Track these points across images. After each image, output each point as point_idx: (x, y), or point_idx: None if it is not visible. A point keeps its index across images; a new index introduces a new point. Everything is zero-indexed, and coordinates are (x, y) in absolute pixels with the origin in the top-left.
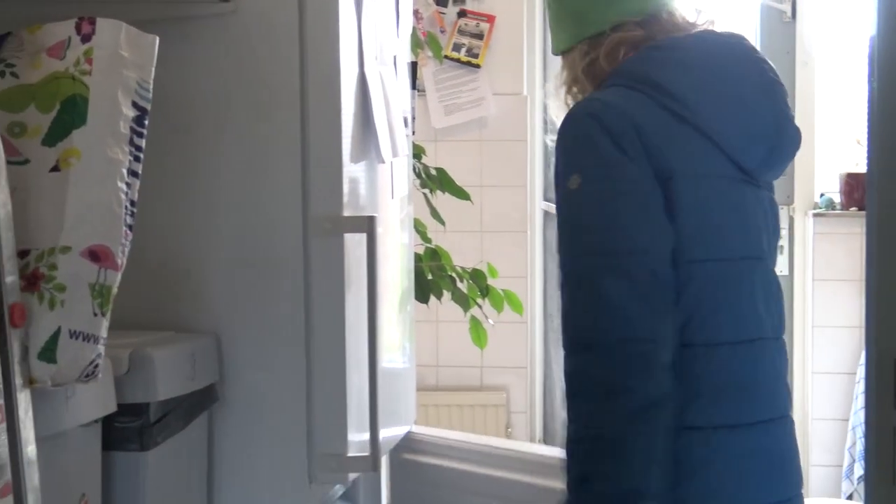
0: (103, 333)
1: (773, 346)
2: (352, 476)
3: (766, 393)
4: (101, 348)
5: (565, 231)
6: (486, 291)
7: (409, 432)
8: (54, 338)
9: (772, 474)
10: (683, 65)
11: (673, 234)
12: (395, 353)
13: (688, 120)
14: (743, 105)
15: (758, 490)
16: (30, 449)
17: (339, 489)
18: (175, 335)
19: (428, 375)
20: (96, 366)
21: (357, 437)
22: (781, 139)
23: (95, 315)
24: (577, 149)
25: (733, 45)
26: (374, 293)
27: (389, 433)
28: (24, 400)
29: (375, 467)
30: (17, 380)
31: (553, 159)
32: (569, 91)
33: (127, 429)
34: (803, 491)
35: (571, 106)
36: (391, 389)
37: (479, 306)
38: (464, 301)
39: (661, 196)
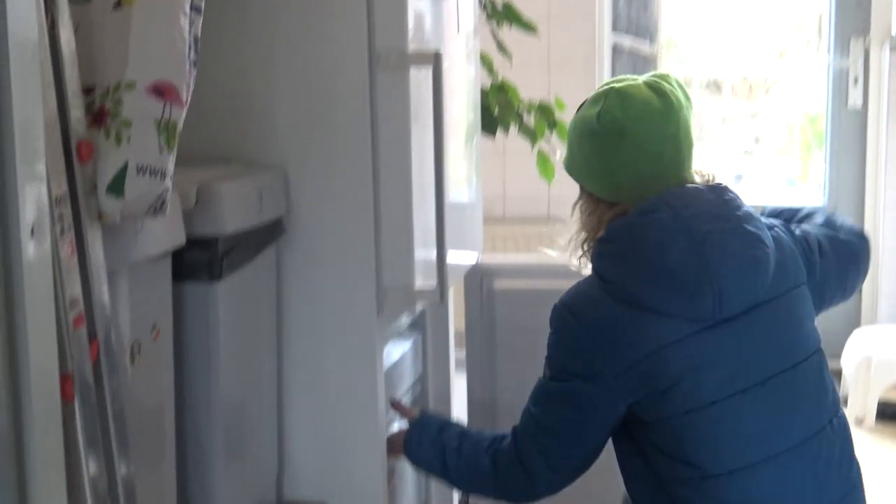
0: (170, 168)
1: (799, 452)
2: (419, 306)
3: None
4: (168, 183)
5: (530, 401)
6: (553, 125)
7: (476, 263)
8: (122, 172)
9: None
10: (625, 260)
11: (603, 440)
12: (461, 185)
13: (635, 305)
14: (672, 274)
15: None
16: (101, 281)
17: (406, 319)
18: (242, 169)
19: (495, 207)
20: (164, 200)
21: (424, 269)
22: (720, 283)
23: (161, 150)
24: (550, 345)
25: (667, 218)
26: (441, 127)
27: (456, 264)
28: (93, 234)
29: (442, 298)
30: (87, 214)
31: None
32: (580, 244)
33: (196, 262)
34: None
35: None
36: (458, 221)
37: (547, 140)
38: (531, 135)
39: (606, 391)
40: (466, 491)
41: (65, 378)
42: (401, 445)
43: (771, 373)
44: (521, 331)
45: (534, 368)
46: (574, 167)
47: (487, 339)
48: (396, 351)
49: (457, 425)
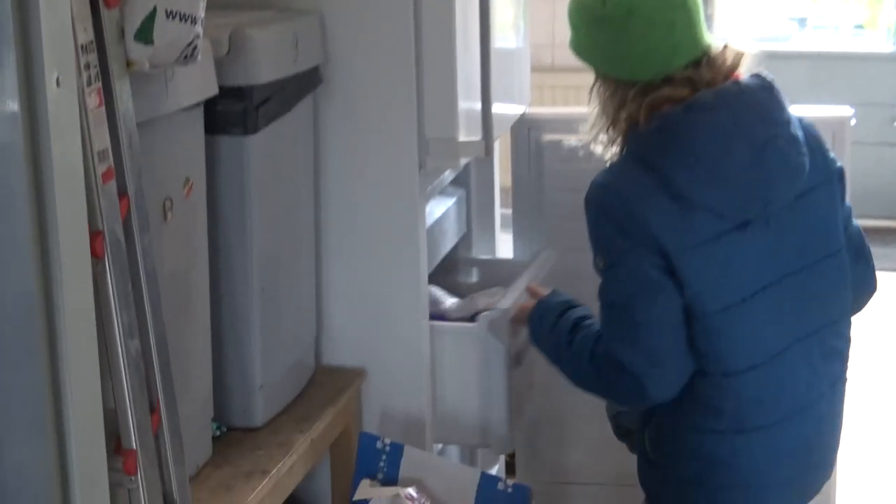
0: (201, 13)
1: (805, 344)
2: (463, 160)
3: (792, 394)
4: (199, 29)
5: (601, 297)
6: None
7: (524, 114)
8: (150, 17)
9: (793, 457)
10: (676, 148)
11: (679, 299)
12: (507, 31)
13: (678, 195)
14: (732, 178)
15: (780, 468)
16: (131, 133)
17: (449, 174)
18: (276, 14)
19: (543, 55)
20: (195, 47)
21: (468, 121)
22: (772, 193)
23: None
24: (594, 233)
25: (737, 110)
26: None
27: (503, 115)
28: (122, 83)
29: (488, 152)
30: (115, 63)
31: None
32: (604, 128)
33: (230, 112)
34: None
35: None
36: (504, 70)
37: None
38: None
39: (665, 271)
40: (587, 391)
41: (95, 235)
42: (524, 322)
43: (788, 271)
44: (570, 187)
45: (584, 227)
46: (584, 51)
47: (535, 197)
48: (439, 208)
49: (577, 310)
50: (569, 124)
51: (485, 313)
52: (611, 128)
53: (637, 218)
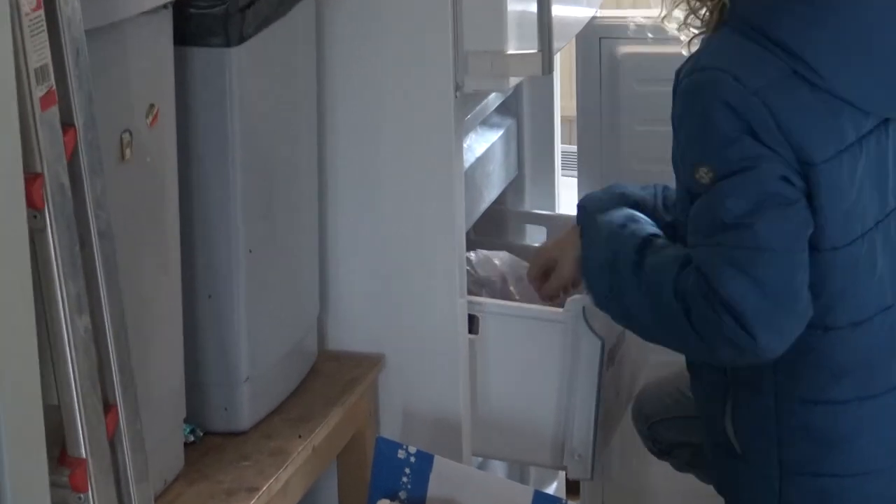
0: None
1: None
2: (514, 81)
3: None
4: None
5: (700, 218)
6: None
7: (594, 17)
8: None
9: None
10: (818, 23)
11: (812, 224)
12: None
13: (820, 87)
14: (887, 61)
15: None
16: (78, 44)
17: (495, 99)
18: None
19: None
20: None
21: (520, 28)
22: None
23: None
24: (704, 135)
25: None
26: None
27: (566, 19)
28: None
29: (546, 69)
30: None
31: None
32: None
33: (207, 16)
34: None
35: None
36: None
37: None
38: None
39: (801, 188)
40: (657, 337)
41: (32, 180)
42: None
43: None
44: (655, 116)
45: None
46: None
47: (608, 129)
48: (481, 145)
49: (643, 220)
50: (652, 31)
51: (576, 296)
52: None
53: (771, 111)
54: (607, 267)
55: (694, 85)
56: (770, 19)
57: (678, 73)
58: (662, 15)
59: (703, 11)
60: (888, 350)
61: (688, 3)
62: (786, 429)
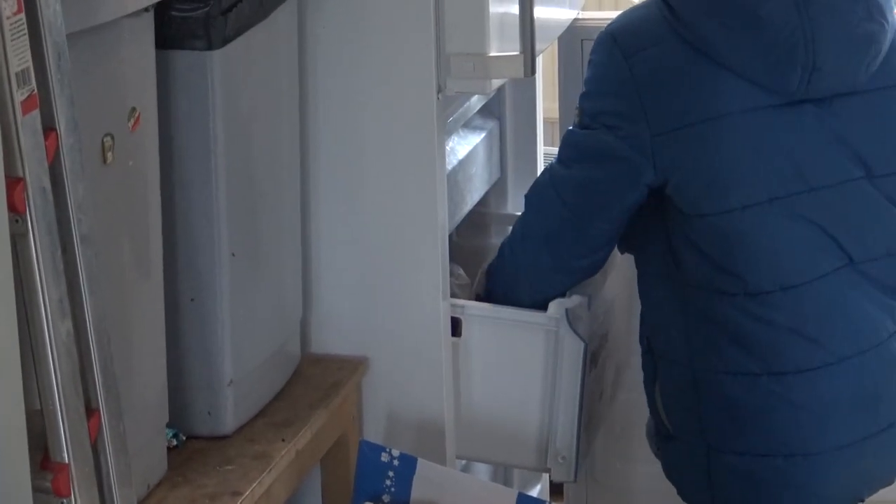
0: None
1: (861, 271)
2: (496, 83)
3: (845, 330)
4: None
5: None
6: None
7: (576, 19)
8: None
9: (855, 412)
10: None
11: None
12: None
13: (706, 54)
14: (763, 28)
15: (836, 431)
16: (60, 48)
17: (477, 102)
18: None
19: None
20: None
21: (502, 29)
22: (817, 56)
23: None
24: (589, 79)
25: None
26: None
27: (549, 21)
28: None
29: (529, 71)
30: None
31: None
32: None
33: (189, 20)
34: None
35: None
36: None
37: None
38: None
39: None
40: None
41: (13, 184)
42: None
43: (844, 177)
44: None
45: None
46: None
47: None
48: (463, 146)
49: None
50: None
51: (559, 299)
52: None
53: (634, 76)
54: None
55: (596, 42)
56: None
57: None
58: None
59: None
60: (793, 330)
61: None
62: (705, 403)
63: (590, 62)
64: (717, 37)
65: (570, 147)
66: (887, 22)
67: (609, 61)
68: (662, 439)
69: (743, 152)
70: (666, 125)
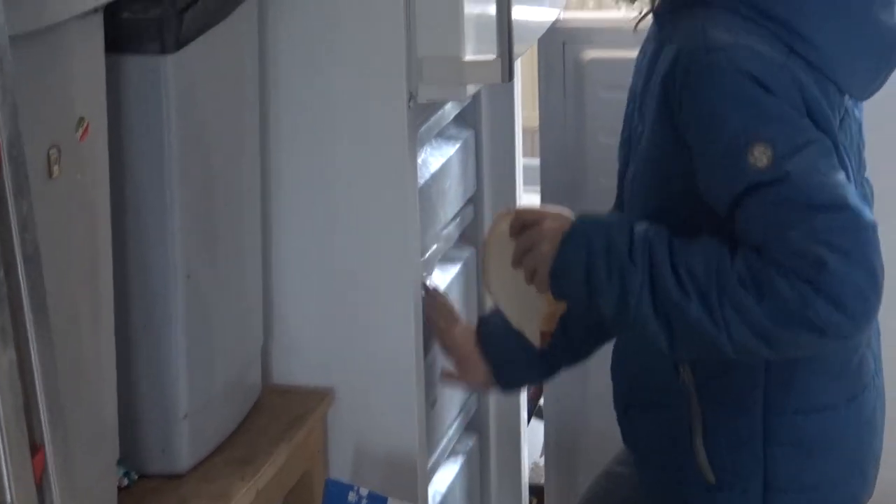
0: None
1: None
2: (472, 89)
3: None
4: None
5: (785, 213)
6: None
7: (557, 20)
8: None
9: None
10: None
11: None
12: None
13: (814, 64)
14: (872, 38)
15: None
16: (1, 52)
17: (452, 109)
18: None
19: None
20: None
21: (478, 32)
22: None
23: None
24: (748, 113)
25: None
26: None
27: (528, 23)
28: None
29: (507, 76)
30: None
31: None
32: None
33: (141, 21)
34: None
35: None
36: None
37: None
38: None
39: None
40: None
41: None
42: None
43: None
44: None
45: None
46: None
47: (573, 141)
48: (437, 157)
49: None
50: (620, 35)
51: None
52: None
53: (800, 86)
54: (630, 289)
55: (711, 62)
56: None
57: (669, 50)
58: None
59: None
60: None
61: None
62: (775, 446)
63: (726, 102)
64: (833, 52)
65: (784, 186)
66: None
67: (760, 73)
68: (692, 493)
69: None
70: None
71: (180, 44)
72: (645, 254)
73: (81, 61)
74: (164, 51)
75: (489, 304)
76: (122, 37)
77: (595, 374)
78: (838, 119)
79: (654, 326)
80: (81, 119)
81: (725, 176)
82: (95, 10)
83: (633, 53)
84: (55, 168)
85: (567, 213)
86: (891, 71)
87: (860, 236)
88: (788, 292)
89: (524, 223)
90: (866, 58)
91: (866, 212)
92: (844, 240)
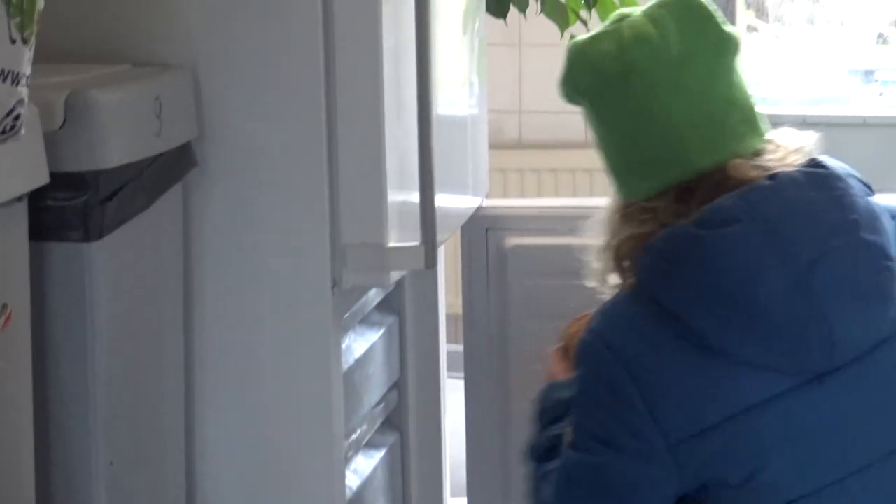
0: (25, 69)
1: None
2: (395, 276)
3: None
4: (22, 91)
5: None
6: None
7: (479, 207)
8: None
9: None
10: (689, 282)
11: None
12: (457, 92)
13: (713, 348)
14: (766, 316)
15: None
16: None
17: (375, 296)
18: (132, 70)
19: (507, 127)
20: (17, 116)
21: (402, 219)
22: (833, 330)
23: (13, 42)
24: (582, 393)
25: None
26: (425, 5)
27: (451, 210)
28: None
29: (430, 263)
30: None
31: None
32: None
33: (65, 209)
34: None
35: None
36: (452, 148)
37: (584, 22)
38: (561, 14)
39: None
40: None
41: None
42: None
43: (891, 447)
44: (548, 312)
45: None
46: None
47: (497, 327)
48: (361, 343)
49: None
50: (542, 222)
51: None
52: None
53: (637, 383)
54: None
55: (580, 349)
56: (653, 284)
57: None
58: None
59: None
60: None
61: (608, 262)
62: None
63: (578, 376)
64: (719, 334)
65: (564, 474)
66: (891, 260)
67: (602, 368)
68: None
69: (772, 445)
70: (681, 434)
71: (104, 232)
72: None
73: (5, 248)
74: (87, 238)
75: (414, 493)
76: (46, 224)
77: None
78: (751, 398)
79: None
80: (4, 306)
81: None
82: (20, 199)
83: (554, 241)
84: None
85: None
86: (823, 323)
87: None
88: None
89: None
90: (758, 336)
91: None
92: None
